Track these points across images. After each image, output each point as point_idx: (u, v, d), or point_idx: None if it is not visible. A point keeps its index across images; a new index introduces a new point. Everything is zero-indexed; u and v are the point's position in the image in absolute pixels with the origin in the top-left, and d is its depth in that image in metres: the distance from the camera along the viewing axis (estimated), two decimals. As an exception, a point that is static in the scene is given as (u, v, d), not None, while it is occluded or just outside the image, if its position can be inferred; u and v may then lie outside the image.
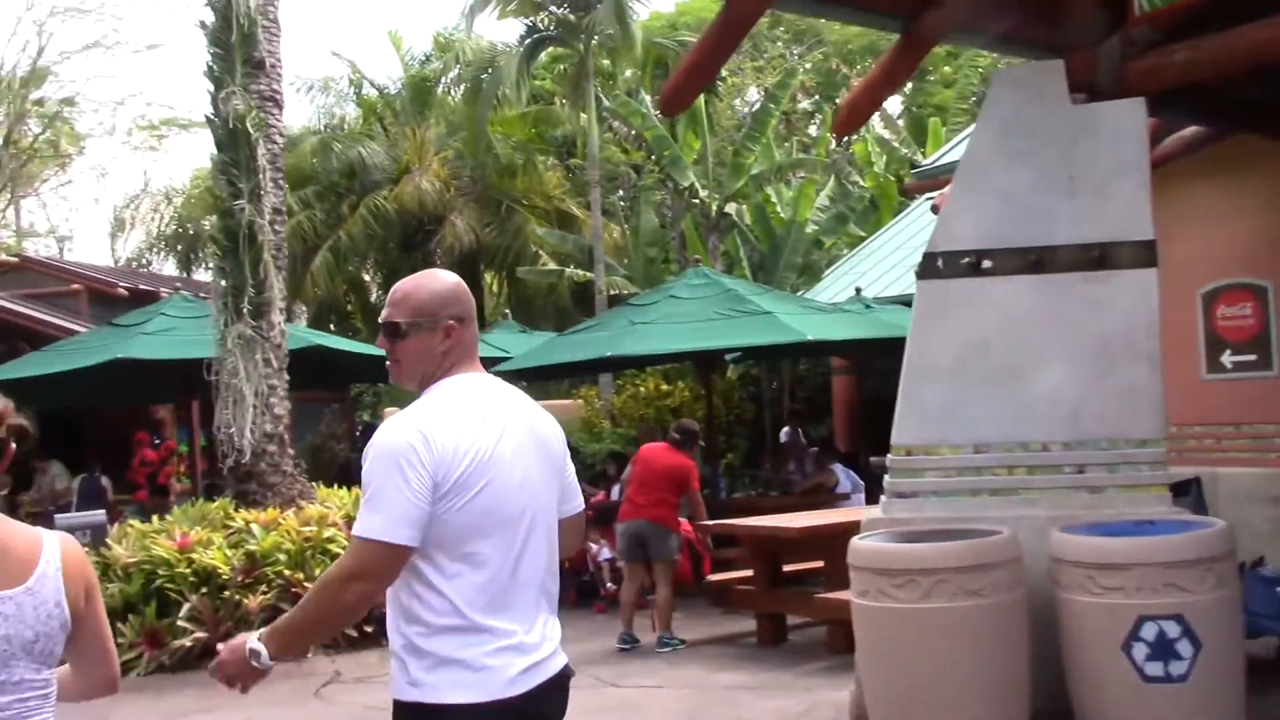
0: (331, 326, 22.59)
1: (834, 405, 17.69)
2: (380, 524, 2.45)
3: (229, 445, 9.48)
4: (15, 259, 20.12)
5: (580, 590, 10.78)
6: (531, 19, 19.07)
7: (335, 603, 2.50)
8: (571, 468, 2.87)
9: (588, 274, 19.88)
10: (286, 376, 9.87)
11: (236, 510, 9.28)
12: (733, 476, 16.90)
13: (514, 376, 13.95)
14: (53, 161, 32.66)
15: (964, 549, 4.94)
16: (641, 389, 18.38)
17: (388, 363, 2.73)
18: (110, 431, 19.50)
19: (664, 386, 18.37)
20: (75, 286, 18.58)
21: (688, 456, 8.98)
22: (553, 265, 21.24)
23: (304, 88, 22.89)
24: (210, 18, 9.80)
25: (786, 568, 8.74)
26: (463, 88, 24.45)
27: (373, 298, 24.91)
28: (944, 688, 4.91)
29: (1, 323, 17.70)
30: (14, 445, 2.41)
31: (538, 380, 16.01)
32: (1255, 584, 6.01)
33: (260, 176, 9.65)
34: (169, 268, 29.96)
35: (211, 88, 9.81)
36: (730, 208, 19.48)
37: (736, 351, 13.01)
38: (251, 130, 9.57)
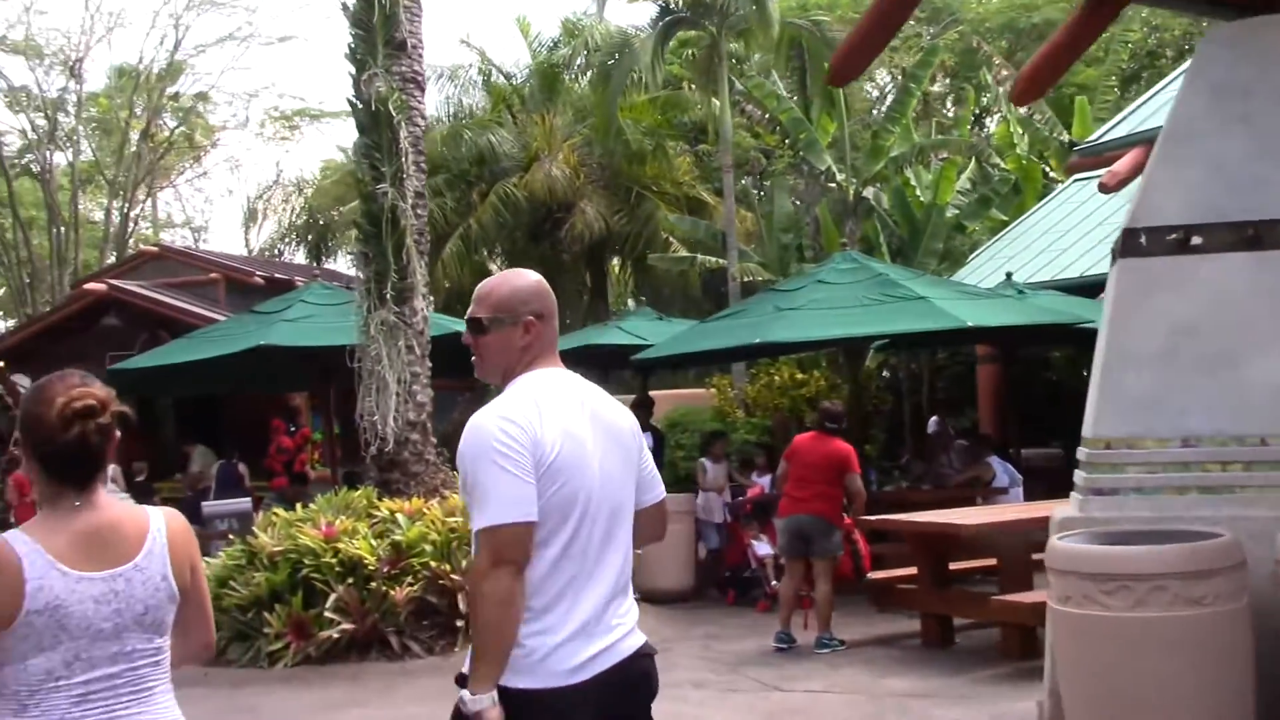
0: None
1: (979, 395, 17.11)
2: (495, 510, 2.56)
3: (372, 433, 9.41)
4: (155, 249, 20.58)
5: (741, 586, 10.52)
6: (664, 1, 18.75)
7: (490, 601, 2.55)
8: (649, 459, 2.97)
9: (719, 261, 19.53)
10: (429, 364, 9.76)
11: (380, 500, 9.20)
12: (872, 469, 16.46)
13: (657, 364, 13.81)
14: (188, 154, 33.54)
15: (1184, 553, 4.51)
16: (776, 378, 18.00)
17: (472, 357, 2.85)
18: (246, 418, 19.84)
19: (799, 375, 17.97)
20: (213, 275, 18.92)
21: (842, 440, 8.63)
22: (683, 252, 20.95)
23: (433, 76, 22.92)
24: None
25: (953, 566, 8.33)
26: (591, 74, 24.32)
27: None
28: (1159, 704, 4.49)
29: (143, 311, 18.12)
30: (118, 433, 2.51)
31: (673, 368, 15.79)
32: None
33: (403, 160, 9.55)
34: (299, 257, 30.53)
35: (353, 70, 9.74)
36: (868, 192, 18.93)
37: (884, 339, 12.56)
38: (394, 113, 9.48)
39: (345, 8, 9.77)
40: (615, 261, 25.00)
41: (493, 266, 24.74)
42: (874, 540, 9.80)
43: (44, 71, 26.88)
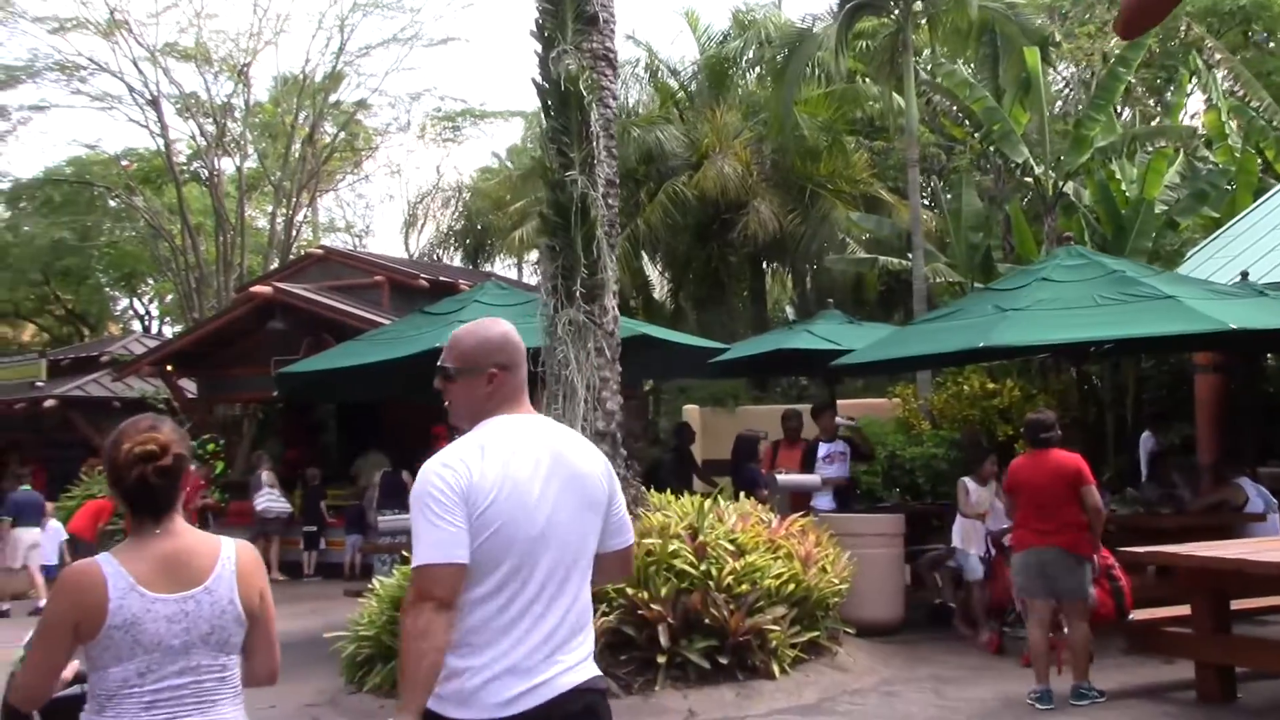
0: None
1: (1196, 408, 15.63)
2: (422, 551, 2.76)
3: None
4: (319, 251, 20.38)
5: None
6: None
7: (411, 635, 2.72)
8: (621, 504, 3.07)
9: (901, 261, 18.41)
10: (619, 368, 8.97)
11: (567, 517, 8.40)
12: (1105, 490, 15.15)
13: (861, 370, 12.82)
14: (350, 160, 33.73)
15: None
16: (965, 387, 16.84)
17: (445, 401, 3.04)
18: (407, 425, 19.49)
19: (990, 385, 16.78)
20: (377, 278, 18.57)
21: (1065, 450, 7.52)
22: (861, 254, 19.87)
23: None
24: (538, -28, 9.00)
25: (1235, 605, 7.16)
26: (762, 67, 23.41)
27: (658, 294, 24.20)
28: None
29: (307, 314, 17.84)
30: (192, 467, 2.99)
31: (866, 375, 14.78)
32: None
33: (594, 144, 8.79)
34: (457, 262, 30.34)
35: (539, 48, 9.01)
36: (1067, 187, 17.57)
37: (1107, 342, 11.33)
38: (584, 93, 8.71)
39: (531, -20, 9.05)
40: (777, 265, 24.05)
41: (652, 272, 24.03)
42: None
43: (212, 77, 27.19)
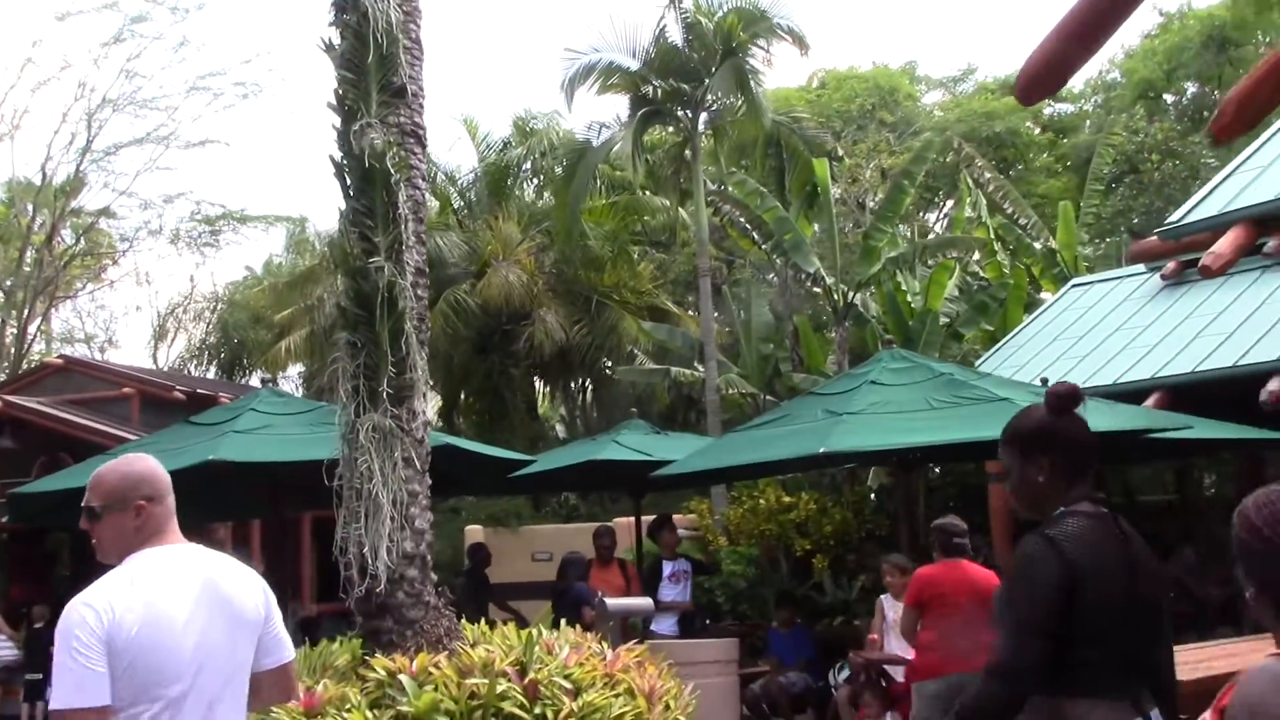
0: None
1: (991, 518, 15.61)
2: (65, 694, 2.87)
3: (357, 569, 7.47)
4: (59, 360, 18.36)
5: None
6: (636, 92, 17.46)
7: None
8: (277, 622, 3.29)
9: (693, 372, 17.98)
10: (429, 480, 7.90)
11: (369, 655, 7.22)
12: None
13: (683, 480, 12.07)
14: (91, 267, 31.31)
15: None
16: (761, 501, 16.42)
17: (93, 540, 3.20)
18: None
19: (786, 498, 16.42)
20: (126, 390, 16.81)
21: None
22: (650, 364, 19.37)
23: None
24: (338, 38, 8.06)
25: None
26: (539, 177, 22.97)
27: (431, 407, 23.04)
28: None
29: (42, 430, 15.92)
30: None
31: (682, 486, 14.05)
32: None
33: (401, 228, 7.81)
34: (210, 376, 28.34)
35: (339, 122, 8.02)
36: (855, 297, 17.64)
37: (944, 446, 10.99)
38: (392, 170, 7.76)
39: (330, 47, 8.09)
40: (554, 380, 23.33)
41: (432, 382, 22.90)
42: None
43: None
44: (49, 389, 17.35)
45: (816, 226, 17.45)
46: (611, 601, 8.86)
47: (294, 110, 52.31)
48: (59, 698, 2.86)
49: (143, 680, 2.91)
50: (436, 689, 6.69)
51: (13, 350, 24.79)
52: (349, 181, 7.99)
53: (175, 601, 3.03)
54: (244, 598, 3.20)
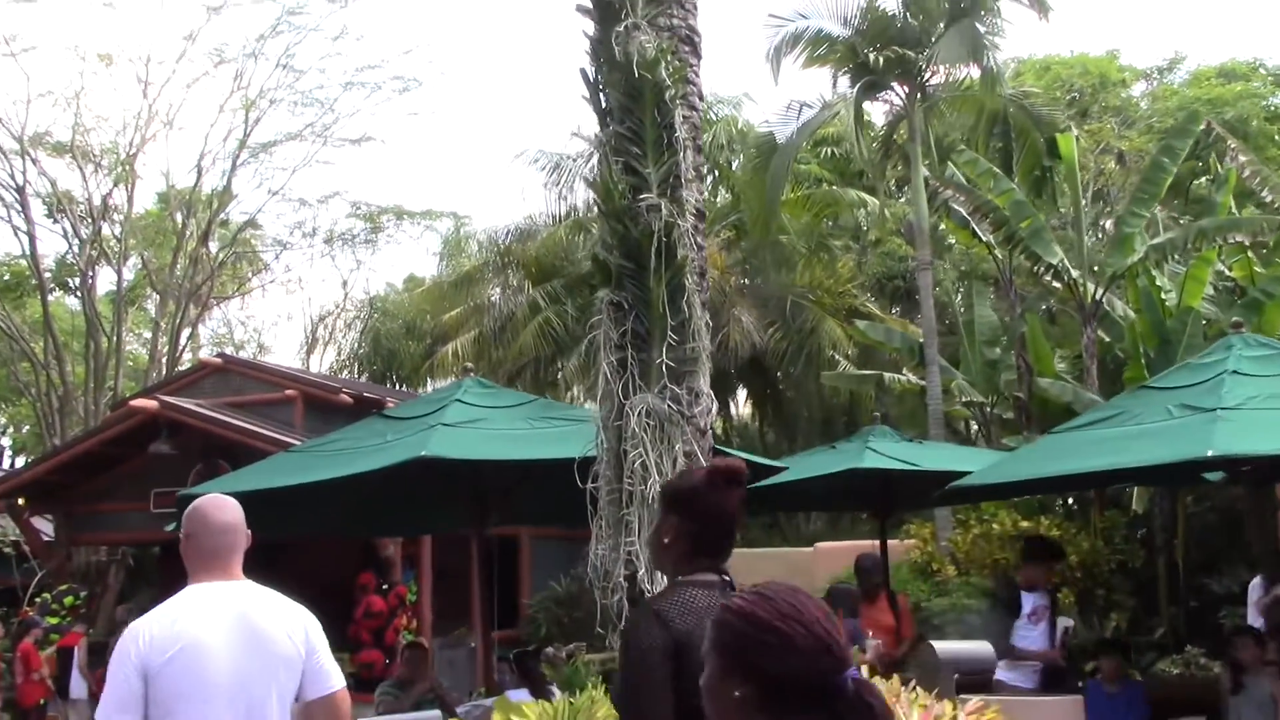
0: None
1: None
2: (105, 708, 3.31)
3: (617, 589, 5.78)
4: (218, 360, 17.19)
5: None
6: (854, 60, 15.60)
7: None
8: (320, 655, 3.59)
9: (906, 379, 16.01)
10: (713, 482, 6.13)
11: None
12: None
13: (978, 494, 10.18)
14: (243, 276, 30.60)
15: None
16: (995, 526, 14.42)
17: None
18: (322, 572, 16.24)
19: (1023, 523, 14.39)
20: (289, 392, 15.51)
21: None
22: (851, 369, 17.46)
23: (545, 165, 19.88)
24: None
25: None
26: (715, 172, 21.26)
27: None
28: None
29: (201, 434, 14.70)
30: None
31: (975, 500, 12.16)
32: None
33: (679, 155, 6.11)
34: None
35: (594, 26, 6.37)
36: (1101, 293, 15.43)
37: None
38: (666, 82, 6.06)
39: (585, -67, 6.44)
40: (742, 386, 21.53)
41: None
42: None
43: (91, 171, 24.02)
44: (206, 390, 16.18)
45: (1060, 212, 15.35)
46: (944, 647, 6.98)
47: (455, 104, 51.40)
48: (101, 710, 3.31)
49: (172, 704, 3.28)
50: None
51: (165, 357, 23.95)
52: (609, 101, 6.33)
53: (209, 633, 3.37)
54: (280, 633, 3.49)
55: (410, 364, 27.18)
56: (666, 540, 3.18)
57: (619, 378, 5.96)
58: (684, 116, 6.29)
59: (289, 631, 3.51)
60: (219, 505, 3.72)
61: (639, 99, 6.15)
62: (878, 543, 10.65)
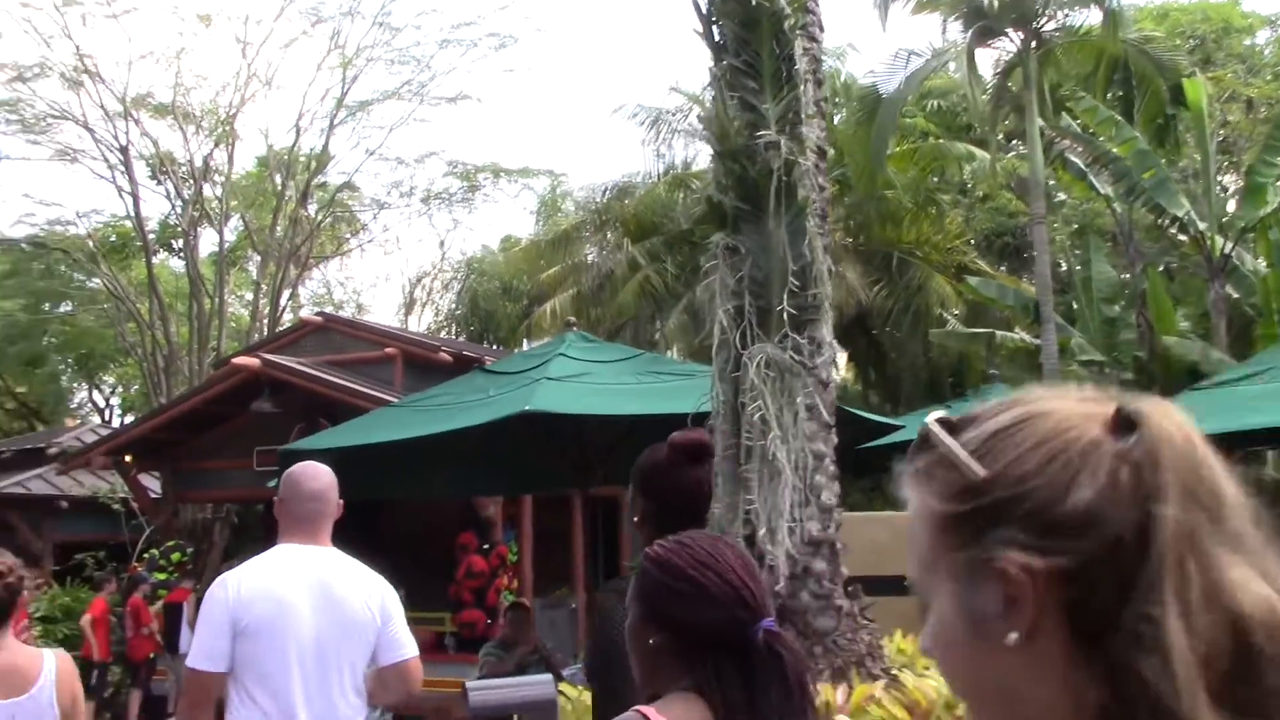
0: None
1: None
2: (194, 656, 3.55)
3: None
4: (318, 318, 17.19)
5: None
6: (962, 10, 14.97)
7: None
8: (394, 624, 3.74)
9: (1020, 337, 15.43)
10: (835, 438, 5.82)
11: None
12: None
13: None
14: (340, 238, 30.75)
15: None
16: None
17: None
18: (420, 532, 16.23)
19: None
20: (389, 350, 15.42)
21: None
22: (960, 328, 16.88)
23: (644, 119, 19.49)
24: None
25: None
26: (839, 118, 20.68)
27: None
28: None
29: (303, 393, 14.67)
30: (23, 594, 3.69)
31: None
32: None
33: (799, 89, 5.74)
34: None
35: (708, -50, 6.01)
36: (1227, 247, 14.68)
37: None
38: (786, 9, 5.69)
39: None
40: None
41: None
42: None
43: (192, 132, 24.20)
44: (306, 349, 16.19)
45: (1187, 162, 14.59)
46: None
47: (551, 60, 50.99)
48: (190, 659, 3.58)
49: (254, 657, 3.50)
50: (889, 736, 4.60)
51: (266, 317, 24.14)
52: (723, 34, 5.98)
53: (292, 593, 3.58)
54: (358, 600, 3.68)
55: (507, 324, 27.09)
56: (636, 519, 3.17)
57: (735, 326, 5.65)
58: (804, 48, 5.94)
59: (367, 599, 3.69)
60: (313, 473, 3.81)
61: (755, 29, 5.80)
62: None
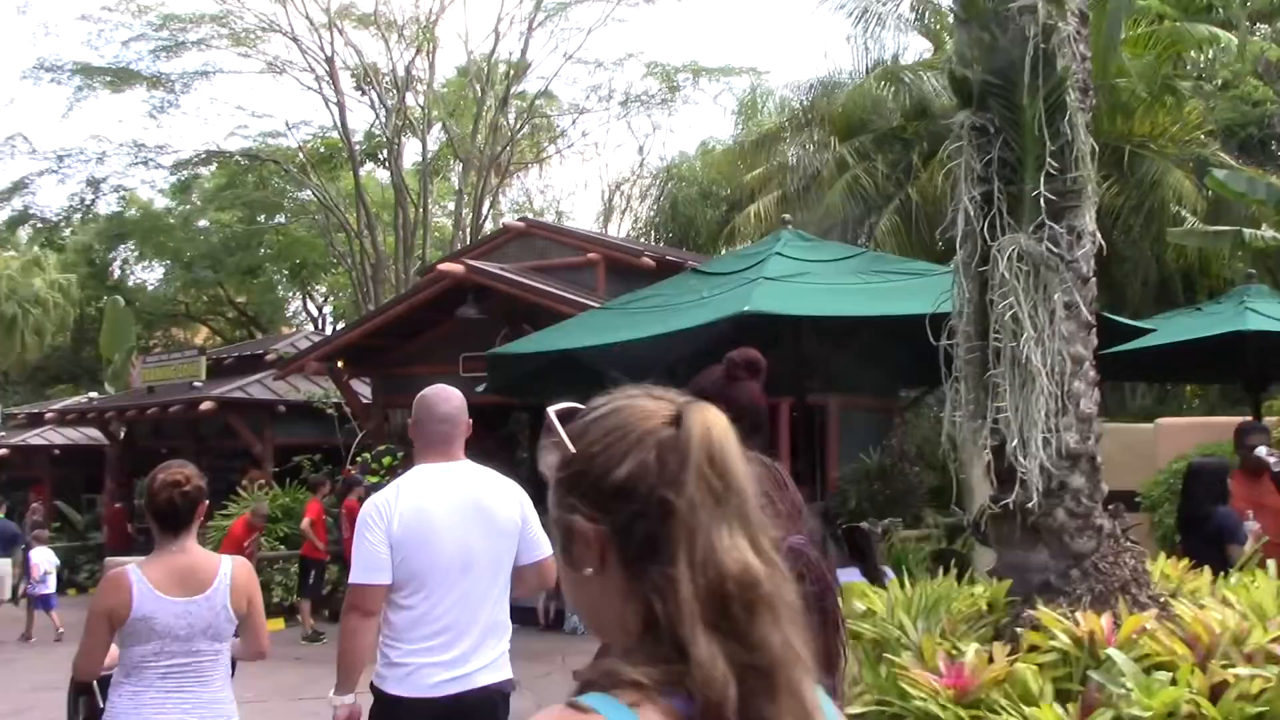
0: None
1: None
2: (357, 571, 3.91)
3: (997, 472, 5.04)
4: (520, 224, 17.12)
5: None
6: None
7: (344, 635, 3.96)
8: (532, 526, 4.10)
9: (1271, 235, 14.10)
10: (1095, 339, 5.24)
11: (1020, 605, 4.73)
12: None
13: None
14: (538, 145, 30.75)
15: None
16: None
17: None
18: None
19: None
20: (592, 255, 15.24)
21: None
22: (1200, 225, 15.59)
23: (852, 12, 18.55)
24: None
25: None
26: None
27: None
28: None
29: (506, 298, 14.66)
30: (205, 502, 4.08)
31: None
32: None
33: (1058, -55, 5.07)
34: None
35: None
36: None
37: None
38: None
39: None
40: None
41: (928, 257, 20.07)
42: None
43: (395, 39, 24.38)
44: (509, 255, 16.16)
45: None
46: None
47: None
48: (353, 575, 3.93)
49: (412, 569, 3.83)
50: (1174, 678, 4.08)
51: (469, 225, 24.35)
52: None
53: (438, 506, 3.92)
54: (501, 509, 4.02)
55: (707, 231, 26.67)
56: None
57: (983, 216, 5.09)
58: (1062, -101, 5.23)
59: (508, 505, 4.03)
60: (444, 396, 4.09)
61: (1009, -124, 5.13)
62: (1248, 416, 9.34)
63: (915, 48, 19.92)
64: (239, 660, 4.20)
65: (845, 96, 18.56)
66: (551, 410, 1.33)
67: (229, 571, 4.01)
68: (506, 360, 8.38)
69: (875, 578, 7.18)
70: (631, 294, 8.74)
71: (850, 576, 7.29)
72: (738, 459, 1.29)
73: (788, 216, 8.78)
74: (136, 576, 3.88)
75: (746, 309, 6.43)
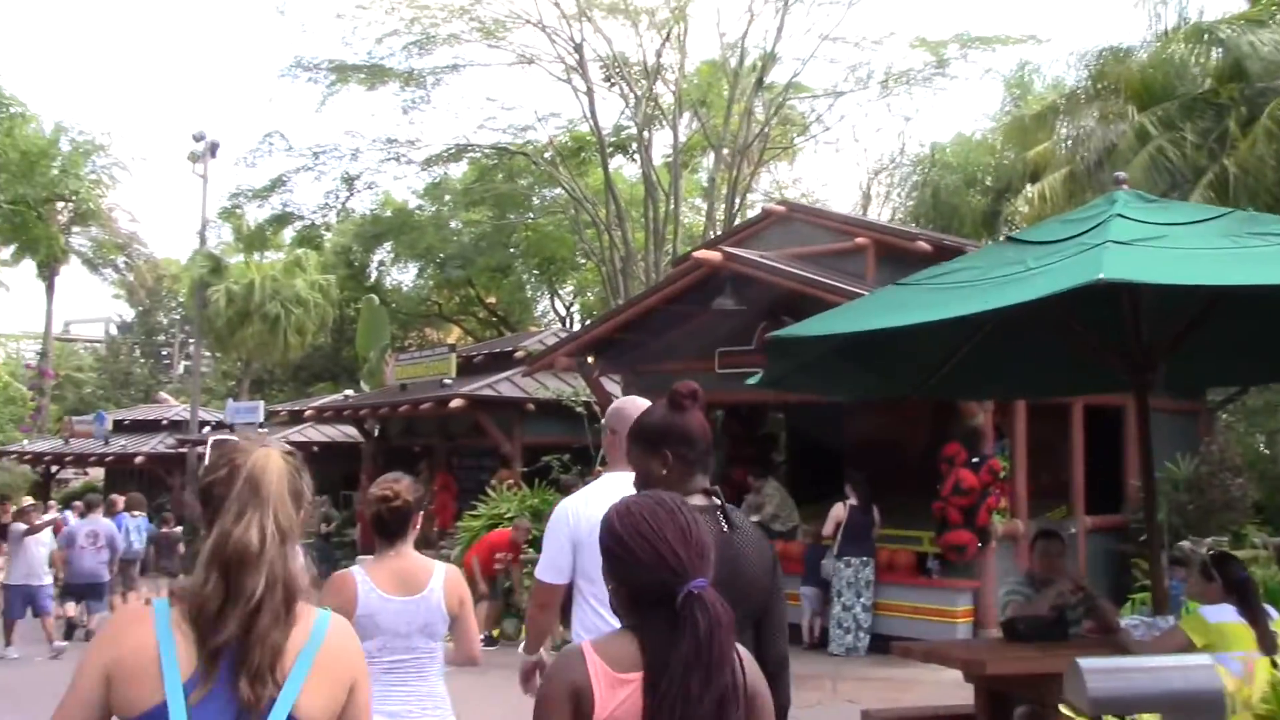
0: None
1: None
2: (542, 568, 4.24)
3: None
4: (781, 207, 15.99)
5: None
6: None
7: (529, 616, 4.64)
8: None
9: None
10: None
11: None
12: None
13: None
14: (790, 136, 29.58)
15: None
16: None
17: None
18: (885, 439, 14.80)
19: None
20: (860, 240, 13.95)
21: None
22: None
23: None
24: None
25: None
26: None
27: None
28: None
29: (766, 288, 13.54)
30: (419, 514, 4.54)
31: None
32: None
33: None
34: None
35: None
36: None
37: None
38: None
39: None
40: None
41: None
42: None
43: (645, 25, 23.67)
44: (768, 242, 15.03)
45: None
46: None
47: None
48: (538, 571, 4.25)
49: (590, 573, 3.90)
50: None
51: (721, 216, 23.39)
52: None
53: None
54: None
55: (971, 219, 24.94)
56: (665, 473, 3.47)
57: None
58: None
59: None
60: (641, 406, 4.06)
61: None
62: None
63: (1217, 5, 17.70)
64: (452, 665, 4.55)
65: (1145, 60, 16.64)
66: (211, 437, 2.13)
67: (442, 576, 4.47)
68: (794, 344, 7.19)
69: (1257, 619, 5.70)
70: (931, 269, 7.43)
71: (1223, 615, 5.85)
72: (272, 474, 2.52)
73: (1122, 175, 7.29)
74: (361, 577, 4.34)
75: (1101, 276, 5.06)
